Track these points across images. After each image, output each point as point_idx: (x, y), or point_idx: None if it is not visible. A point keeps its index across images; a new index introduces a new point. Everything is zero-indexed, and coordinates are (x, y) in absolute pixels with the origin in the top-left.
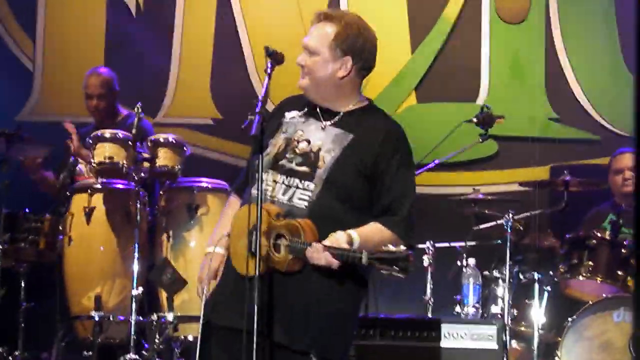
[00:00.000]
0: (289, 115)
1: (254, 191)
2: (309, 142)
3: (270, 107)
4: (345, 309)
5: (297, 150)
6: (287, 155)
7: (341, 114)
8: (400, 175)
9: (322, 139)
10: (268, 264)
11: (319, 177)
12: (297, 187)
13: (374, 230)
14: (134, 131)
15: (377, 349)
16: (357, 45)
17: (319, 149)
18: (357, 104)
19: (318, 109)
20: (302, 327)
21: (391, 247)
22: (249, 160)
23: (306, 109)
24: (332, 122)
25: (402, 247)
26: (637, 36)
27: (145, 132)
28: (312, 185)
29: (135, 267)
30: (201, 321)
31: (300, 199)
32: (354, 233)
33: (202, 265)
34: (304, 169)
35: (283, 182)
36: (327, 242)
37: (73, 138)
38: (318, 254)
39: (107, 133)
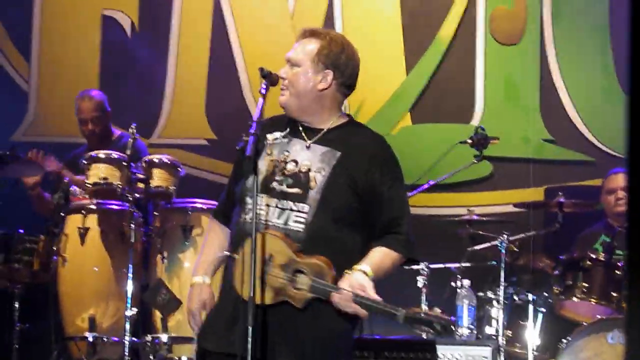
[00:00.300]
0: (271, 137)
1: (246, 216)
2: (296, 162)
3: None
4: (349, 333)
5: (286, 172)
6: (277, 178)
7: (324, 130)
8: (395, 191)
9: (309, 159)
10: (280, 296)
11: (312, 198)
12: (292, 210)
13: (382, 257)
14: (128, 152)
15: None
16: (340, 61)
17: (308, 169)
18: (339, 119)
19: (300, 127)
20: (312, 355)
21: (427, 310)
22: (230, 183)
23: (288, 129)
24: (316, 139)
25: (438, 310)
26: (630, 57)
27: (140, 152)
28: (306, 207)
29: (130, 287)
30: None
31: (296, 221)
32: (367, 268)
33: (189, 296)
34: (295, 190)
35: (277, 206)
36: (351, 285)
37: (41, 161)
38: (346, 302)
39: (102, 154)
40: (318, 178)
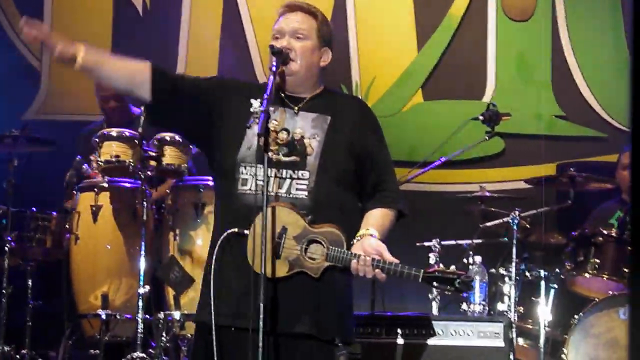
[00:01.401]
0: (256, 103)
1: (245, 187)
2: (287, 131)
3: None
4: (350, 294)
5: (280, 141)
6: (272, 148)
7: (307, 98)
8: (384, 150)
9: (300, 126)
10: (296, 267)
11: (311, 164)
12: (292, 178)
13: (383, 218)
14: (140, 129)
15: (383, 346)
16: (332, 39)
17: (302, 136)
18: (318, 88)
19: (283, 96)
20: (329, 319)
21: (442, 267)
22: (199, 80)
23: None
24: (301, 106)
25: (453, 268)
26: (634, 31)
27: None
28: (306, 174)
29: (142, 265)
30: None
31: (298, 189)
32: (374, 231)
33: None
34: (293, 158)
35: (275, 176)
36: (366, 250)
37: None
38: (367, 268)
39: (114, 132)
40: (314, 144)
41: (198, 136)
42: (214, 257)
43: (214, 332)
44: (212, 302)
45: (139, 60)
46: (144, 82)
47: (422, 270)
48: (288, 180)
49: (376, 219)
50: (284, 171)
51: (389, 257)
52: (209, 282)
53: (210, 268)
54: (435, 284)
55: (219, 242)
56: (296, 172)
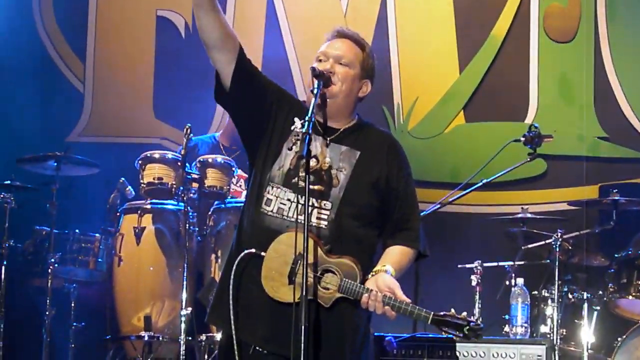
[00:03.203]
0: (298, 123)
1: (268, 208)
2: (317, 159)
3: None
4: (367, 331)
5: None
6: (300, 174)
7: (340, 130)
8: (410, 187)
9: (330, 157)
10: (308, 295)
11: (335, 195)
12: (314, 207)
13: (401, 256)
14: (182, 152)
15: None
16: (374, 75)
17: (330, 167)
18: (352, 120)
19: (317, 125)
20: (331, 350)
21: (453, 312)
22: (271, 82)
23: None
24: (334, 137)
25: (465, 314)
26: None
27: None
28: (329, 204)
29: (184, 287)
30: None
31: (319, 218)
32: (390, 268)
33: None
34: (318, 187)
35: (298, 202)
36: (379, 286)
37: None
38: (377, 303)
39: (157, 154)
40: (340, 176)
41: (249, 133)
42: (232, 273)
43: (235, 346)
44: (231, 318)
45: None
46: (232, 50)
47: (432, 313)
48: (310, 208)
49: (394, 257)
50: (309, 198)
51: (401, 295)
52: (226, 299)
53: (227, 283)
54: (444, 328)
55: (236, 261)
56: (319, 201)
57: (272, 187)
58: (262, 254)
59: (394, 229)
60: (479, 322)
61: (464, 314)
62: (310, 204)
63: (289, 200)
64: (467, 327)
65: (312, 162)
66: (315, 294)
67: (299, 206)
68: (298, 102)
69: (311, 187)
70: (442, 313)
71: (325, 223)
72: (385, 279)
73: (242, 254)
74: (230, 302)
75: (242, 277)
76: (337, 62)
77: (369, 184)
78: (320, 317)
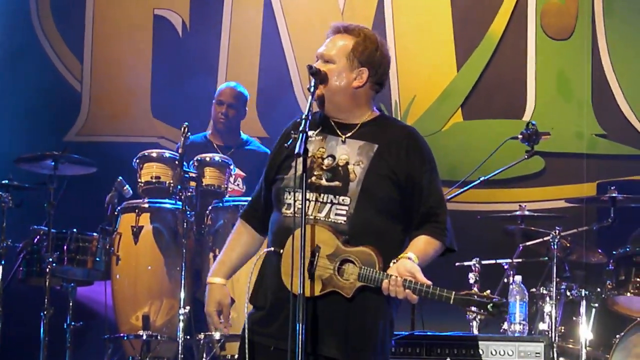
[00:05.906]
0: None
1: (286, 211)
2: (333, 157)
3: None
4: (392, 321)
5: (324, 167)
6: (315, 173)
7: (358, 125)
8: (434, 182)
9: (346, 153)
10: (329, 287)
11: (353, 190)
12: (332, 203)
13: (425, 245)
14: (180, 150)
15: None
16: (375, 59)
17: (346, 163)
18: (372, 115)
19: (333, 124)
20: (358, 341)
21: (476, 290)
22: (261, 184)
23: (320, 127)
24: (351, 134)
25: (488, 292)
26: None
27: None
28: (347, 200)
29: (182, 286)
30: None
31: (337, 214)
32: (412, 255)
33: (206, 297)
34: (335, 183)
35: (316, 200)
36: (400, 271)
37: None
38: (397, 288)
39: (154, 153)
40: (357, 170)
41: None
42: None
43: (246, 347)
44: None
45: (240, 228)
46: (257, 239)
47: (454, 292)
48: (328, 205)
49: (417, 245)
50: (325, 196)
51: (421, 278)
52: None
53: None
54: (467, 307)
55: (254, 261)
56: (337, 197)
57: (290, 193)
58: (280, 251)
59: (420, 222)
60: (502, 298)
61: (488, 292)
62: (328, 200)
63: (307, 200)
64: (491, 304)
65: (329, 160)
66: (336, 285)
67: (317, 204)
68: (293, 128)
69: (328, 183)
70: (463, 292)
71: (344, 218)
72: (406, 264)
73: (262, 253)
74: (245, 306)
75: (264, 280)
76: (324, 61)
77: (386, 176)
78: (342, 308)
